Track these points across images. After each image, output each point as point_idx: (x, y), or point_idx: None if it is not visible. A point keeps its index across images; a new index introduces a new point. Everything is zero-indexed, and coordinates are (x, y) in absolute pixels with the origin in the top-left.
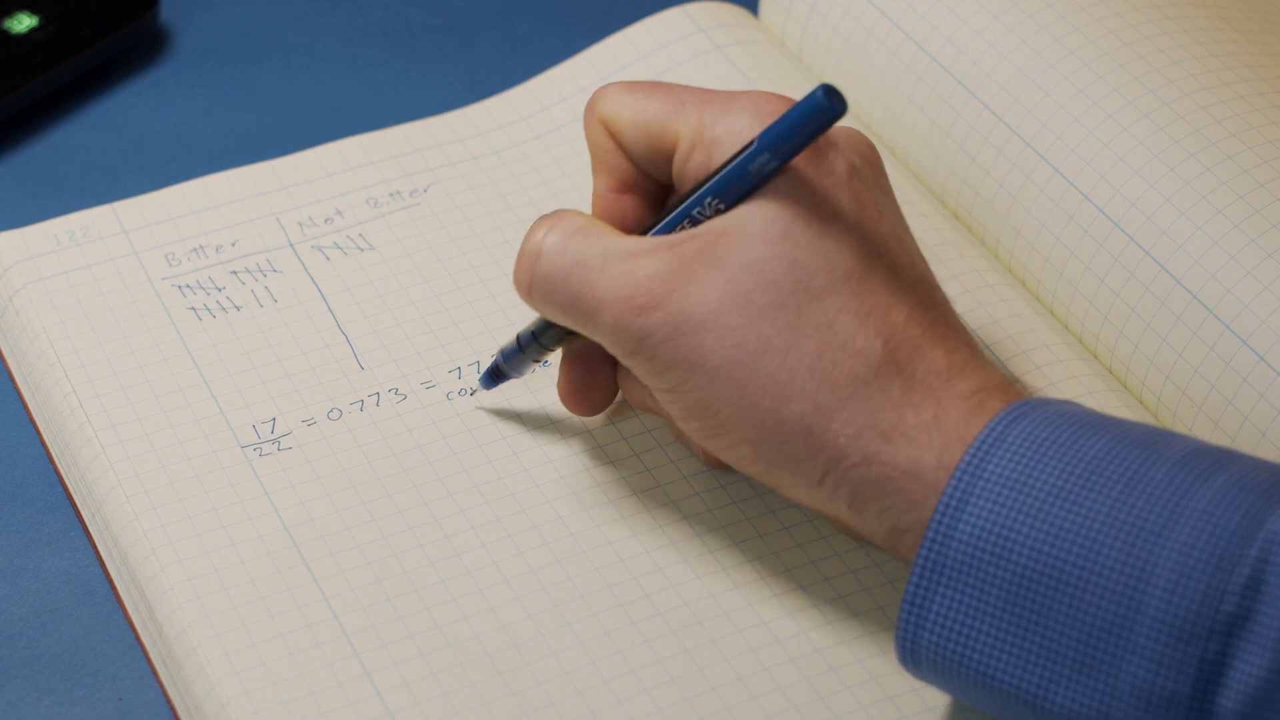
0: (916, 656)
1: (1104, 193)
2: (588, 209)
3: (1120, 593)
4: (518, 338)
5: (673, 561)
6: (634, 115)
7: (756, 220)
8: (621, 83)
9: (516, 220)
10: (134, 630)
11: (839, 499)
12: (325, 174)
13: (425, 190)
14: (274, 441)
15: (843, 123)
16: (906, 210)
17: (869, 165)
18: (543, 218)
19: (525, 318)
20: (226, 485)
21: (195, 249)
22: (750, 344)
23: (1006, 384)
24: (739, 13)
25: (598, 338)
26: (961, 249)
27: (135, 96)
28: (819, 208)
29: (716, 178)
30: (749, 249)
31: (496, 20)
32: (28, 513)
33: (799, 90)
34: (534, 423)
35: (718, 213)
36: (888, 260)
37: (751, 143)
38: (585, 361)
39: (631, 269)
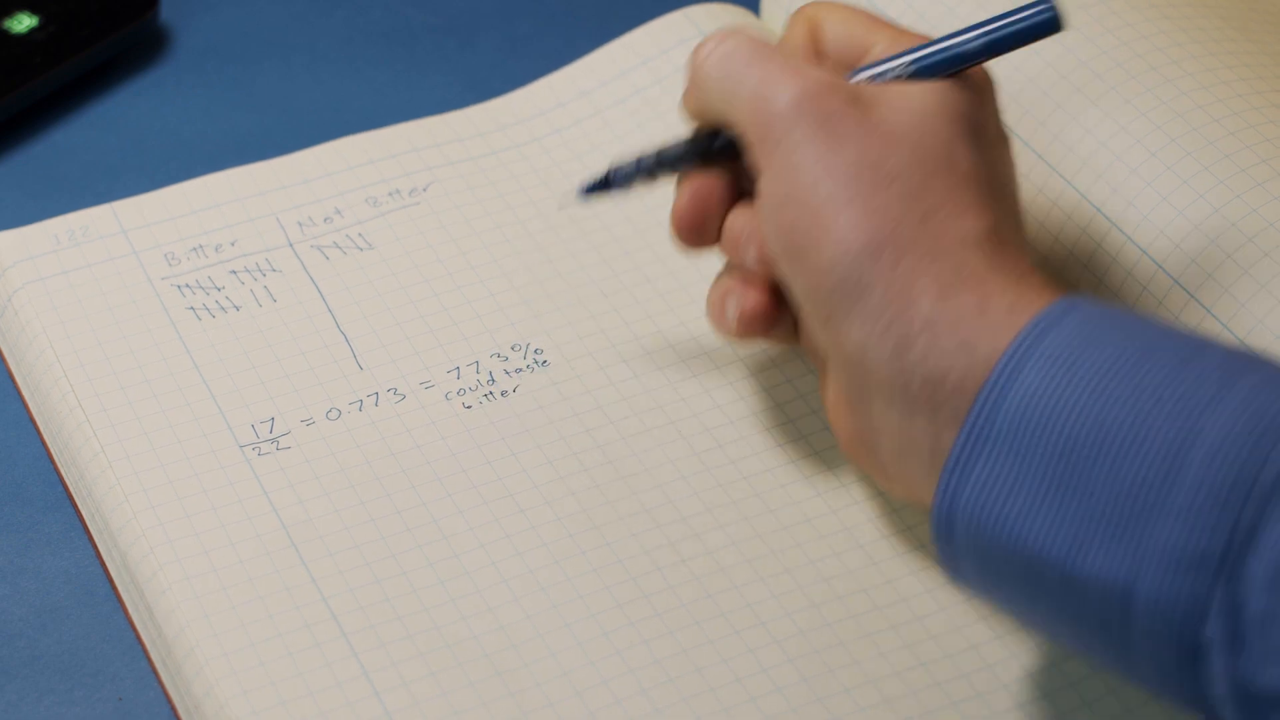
0: (951, 522)
1: (1101, 191)
2: (586, 209)
3: (1163, 456)
4: (638, 156)
5: (671, 563)
6: (841, 23)
7: (931, 97)
8: (836, 1)
9: (515, 220)
10: (134, 630)
11: (885, 345)
12: (324, 173)
13: (425, 189)
14: (273, 441)
15: None
16: None
17: (994, 91)
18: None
19: (527, 318)
20: (225, 485)
21: (195, 248)
22: (886, 167)
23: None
24: (741, 14)
25: (759, 112)
26: None
27: (135, 96)
28: (974, 113)
29: (929, 51)
30: (920, 108)
31: (496, 20)
32: (28, 513)
33: None
34: (530, 421)
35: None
36: (1003, 172)
37: (977, 26)
38: (706, 193)
39: (818, 76)
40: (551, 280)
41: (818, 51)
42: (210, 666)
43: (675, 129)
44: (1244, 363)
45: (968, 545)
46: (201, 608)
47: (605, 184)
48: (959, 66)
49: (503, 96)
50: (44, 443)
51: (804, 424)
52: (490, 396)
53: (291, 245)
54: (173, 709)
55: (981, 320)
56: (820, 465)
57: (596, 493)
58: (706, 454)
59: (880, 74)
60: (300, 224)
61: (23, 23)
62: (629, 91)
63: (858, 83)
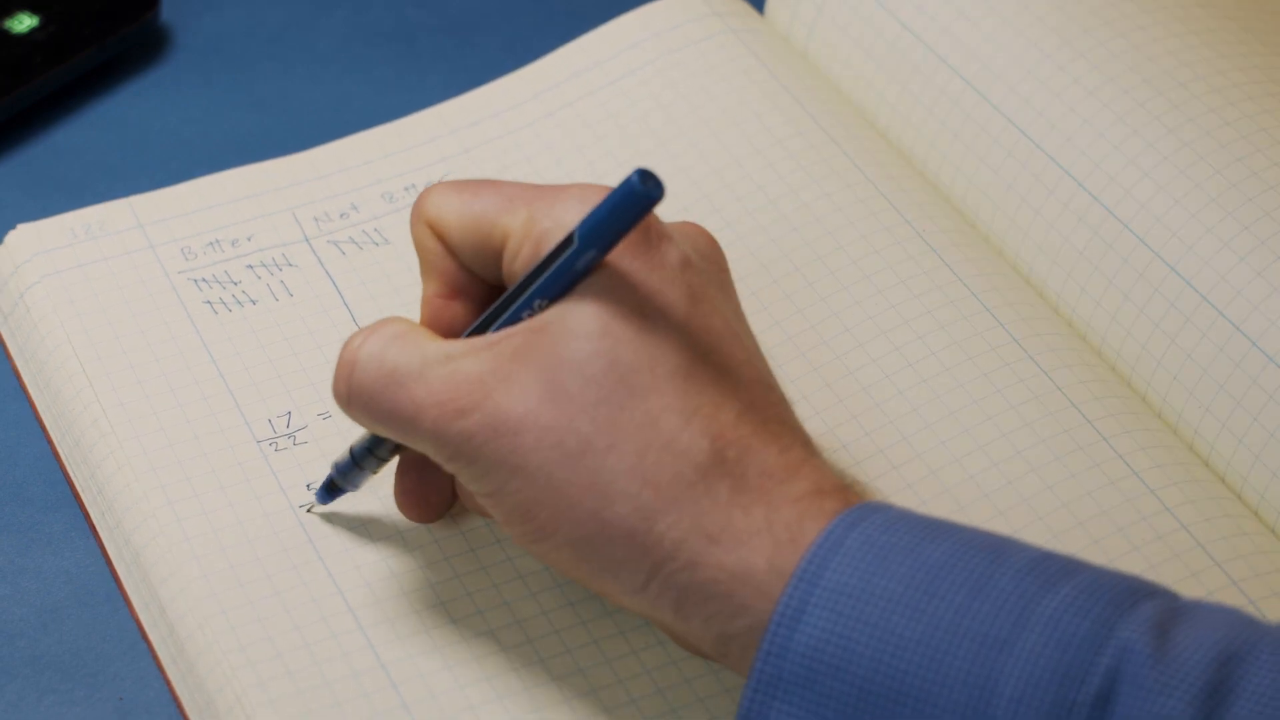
0: None
1: (1114, 194)
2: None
3: (965, 706)
4: (350, 450)
5: None
6: (460, 215)
7: (575, 316)
8: (447, 182)
9: None
10: (140, 627)
11: (663, 604)
12: (340, 169)
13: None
14: (289, 435)
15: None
16: (914, 214)
17: (706, 260)
18: (358, 331)
19: None
20: (241, 479)
21: (211, 243)
22: (569, 443)
23: (843, 486)
24: (744, 7)
25: (420, 446)
26: (968, 250)
27: (136, 96)
28: (643, 302)
29: (536, 274)
30: (567, 345)
31: (496, 20)
32: (28, 512)
33: (804, 86)
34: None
35: (540, 310)
36: (718, 358)
37: (570, 236)
38: (420, 467)
39: (449, 373)
40: None
41: (452, 254)
42: (227, 660)
43: (687, 97)
44: (1041, 581)
45: None
46: (218, 602)
47: (332, 485)
48: (576, 276)
49: (515, 72)
50: (49, 441)
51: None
52: None
53: (308, 240)
54: (179, 707)
55: (755, 562)
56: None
57: None
58: None
59: (497, 324)
60: (316, 219)
61: (23, 23)
62: (642, 61)
63: (506, 335)
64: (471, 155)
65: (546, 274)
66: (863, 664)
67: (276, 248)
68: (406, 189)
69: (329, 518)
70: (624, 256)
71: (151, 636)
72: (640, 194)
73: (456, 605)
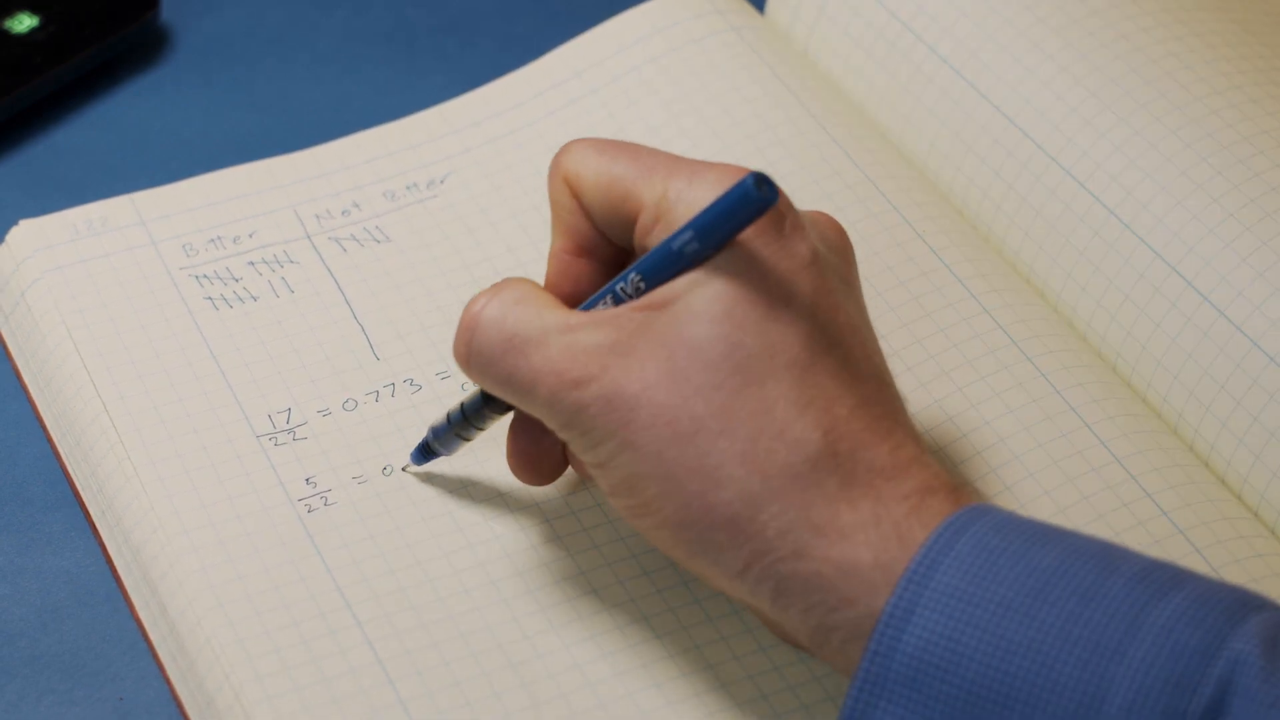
0: None
1: (1115, 195)
2: None
3: (1074, 713)
4: (448, 415)
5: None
6: (597, 176)
7: (701, 298)
8: (590, 140)
9: (531, 207)
10: (140, 626)
11: (762, 592)
12: (342, 167)
13: (442, 181)
14: (289, 431)
15: (857, 148)
16: (913, 214)
17: (836, 252)
18: (483, 291)
19: None
20: (241, 475)
21: (213, 240)
22: (682, 424)
23: (953, 485)
24: (744, 7)
25: (534, 411)
26: (968, 250)
27: (136, 96)
28: (770, 290)
29: (644, 257)
30: (690, 326)
31: (496, 20)
32: (28, 512)
33: (804, 85)
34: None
35: (639, 291)
36: (839, 352)
37: (684, 228)
38: (532, 431)
39: (568, 343)
40: None
41: (585, 211)
42: (225, 655)
43: (689, 95)
44: (1152, 590)
45: None
46: (217, 598)
47: (427, 448)
48: (684, 263)
49: (518, 70)
50: (49, 439)
51: None
52: None
53: (309, 237)
54: (179, 705)
55: (861, 557)
56: None
57: None
58: None
59: (614, 293)
60: (318, 216)
61: (23, 23)
62: (644, 59)
63: (628, 310)
64: (474, 154)
65: (649, 254)
66: (972, 666)
67: (278, 244)
68: (408, 187)
69: (326, 515)
70: (754, 242)
71: (151, 635)
72: (754, 199)
73: (453, 601)
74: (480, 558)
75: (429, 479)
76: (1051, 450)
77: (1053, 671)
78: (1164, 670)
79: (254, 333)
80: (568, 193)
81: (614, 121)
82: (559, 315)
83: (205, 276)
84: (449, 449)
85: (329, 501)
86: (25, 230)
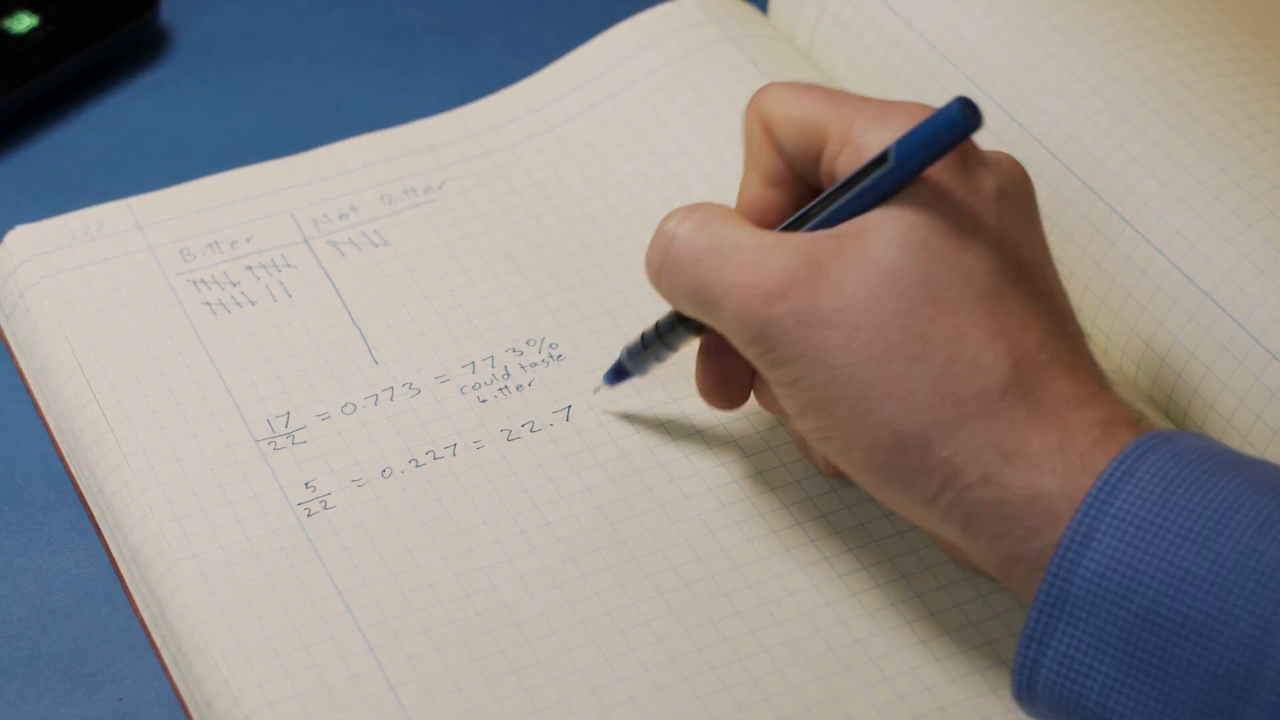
0: (1032, 692)
1: (1117, 192)
2: (598, 201)
3: (1246, 643)
4: (642, 336)
5: (685, 560)
6: (790, 110)
7: (897, 226)
8: (786, 83)
9: (529, 216)
10: (144, 627)
11: (952, 520)
12: (340, 171)
13: (440, 187)
14: (288, 435)
15: None
16: None
17: (1020, 190)
18: (679, 208)
19: (541, 313)
20: (240, 479)
21: (210, 244)
22: (876, 347)
23: (1136, 417)
24: (746, 8)
25: (721, 326)
26: None
27: (135, 96)
28: (961, 222)
29: (849, 184)
30: (886, 253)
31: (496, 20)
32: (28, 513)
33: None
34: (545, 416)
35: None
36: (1026, 284)
37: (886, 151)
38: (722, 355)
39: (763, 257)
40: (566, 275)
41: (776, 147)
42: (225, 660)
43: (686, 111)
44: None
45: (1049, 711)
46: (217, 602)
47: (621, 369)
48: (886, 190)
49: (515, 85)
50: (52, 440)
51: None
52: (505, 391)
53: (307, 241)
54: (182, 706)
55: (1047, 485)
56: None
57: (611, 488)
58: (720, 450)
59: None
60: (315, 220)
61: (23, 22)
62: (640, 74)
63: (823, 236)
64: (471, 164)
65: (858, 187)
66: (1148, 594)
67: (275, 249)
68: (406, 192)
69: (325, 519)
70: (943, 175)
71: (154, 636)
72: (960, 121)
73: (455, 606)
74: (481, 561)
75: (428, 480)
76: None
77: (1226, 602)
78: None
79: (252, 337)
80: (760, 128)
81: (612, 139)
82: (754, 233)
83: (203, 281)
84: (642, 370)
85: (328, 505)
86: (21, 235)
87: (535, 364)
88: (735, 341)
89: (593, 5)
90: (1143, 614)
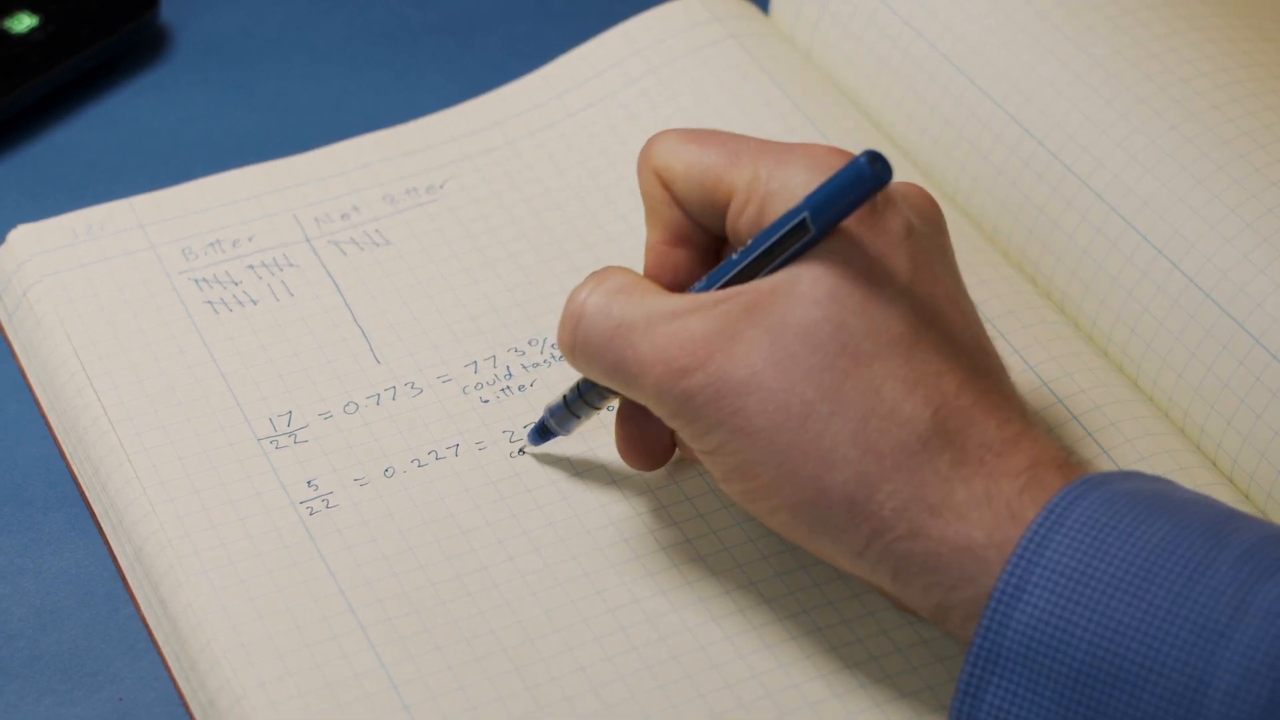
0: None
1: (1117, 191)
2: (600, 198)
3: (1180, 695)
4: (564, 396)
5: (688, 559)
6: (688, 166)
7: (804, 280)
8: (676, 131)
9: (530, 213)
10: (146, 626)
11: (882, 571)
12: (342, 171)
13: (442, 186)
14: (290, 434)
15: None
16: None
17: (928, 224)
18: (588, 276)
19: (544, 313)
20: (242, 478)
21: (212, 243)
22: (793, 408)
23: (1062, 458)
24: (747, 8)
25: (642, 400)
26: (971, 251)
27: (135, 96)
28: (870, 270)
29: (762, 242)
30: (795, 309)
31: (496, 20)
32: (28, 513)
33: (804, 90)
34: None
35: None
36: (941, 325)
37: (804, 219)
38: (640, 416)
39: (674, 330)
40: (568, 274)
41: (677, 202)
42: (228, 659)
43: (688, 109)
44: (1260, 570)
45: None
46: (219, 601)
47: (544, 429)
48: (798, 247)
49: (517, 80)
50: (55, 439)
51: None
52: (507, 391)
53: (309, 241)
54: (184, 705)
55: (975, 536)
56: None
57: (613, 488)
58: None
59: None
60: (317, 220)
61: (23, 22)
62: (642, 71)
63: (733, 294)
64: (473, 161)
65: (779, 259)
66: (1081, 646)
67: (277, 248)
68: (408, 191)
69: (327, 518)
70: (850, 222)
71: (156, 635)
72: (869, 177)
73: (457, 605)
74: (483, 560)
75: (430, 479)
76: None
77: (1159, 654)
78: (1269, 654)
79: (254, 336)
80: (659, 184)
81: (614, 134)
82: (663, 302)
83: (205, 280)
84: (565, 429)
85: (331, 504)
86: (24, 234)
87: (537, 364)
88: (659, 415)
89: (593, 5)
90: (1077, 666)
